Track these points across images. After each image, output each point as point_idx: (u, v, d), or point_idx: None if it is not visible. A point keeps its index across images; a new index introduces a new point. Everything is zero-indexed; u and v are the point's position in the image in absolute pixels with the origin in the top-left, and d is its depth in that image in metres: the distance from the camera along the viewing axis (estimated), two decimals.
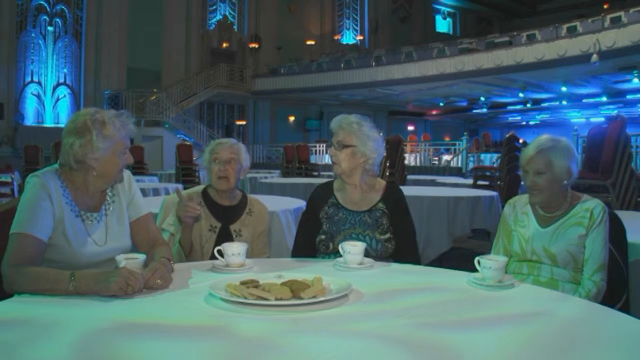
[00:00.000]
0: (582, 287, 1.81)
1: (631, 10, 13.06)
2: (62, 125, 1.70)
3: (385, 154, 2.17)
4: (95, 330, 1.13)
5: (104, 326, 1.16)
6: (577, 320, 1.26)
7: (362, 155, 2.04)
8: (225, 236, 2.16)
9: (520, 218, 1.98)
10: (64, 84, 18.03)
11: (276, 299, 1.29)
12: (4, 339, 1.06)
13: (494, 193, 4.81)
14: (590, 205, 1.86)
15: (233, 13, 22.37)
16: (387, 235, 2.04)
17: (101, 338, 1.09)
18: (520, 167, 1.95)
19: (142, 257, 1.53)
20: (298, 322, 1.20)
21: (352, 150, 2.04)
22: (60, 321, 1.18)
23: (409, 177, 8.77)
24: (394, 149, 7.88)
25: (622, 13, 13.21)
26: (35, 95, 17.46)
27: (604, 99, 19.61)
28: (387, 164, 7.86)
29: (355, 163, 2.05)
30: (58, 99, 17.88)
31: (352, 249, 1.74)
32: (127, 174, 1.80)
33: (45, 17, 17.48)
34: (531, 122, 26.34)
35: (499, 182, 6.74)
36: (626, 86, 17.57)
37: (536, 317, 1.26)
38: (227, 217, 2.24)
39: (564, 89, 18.28)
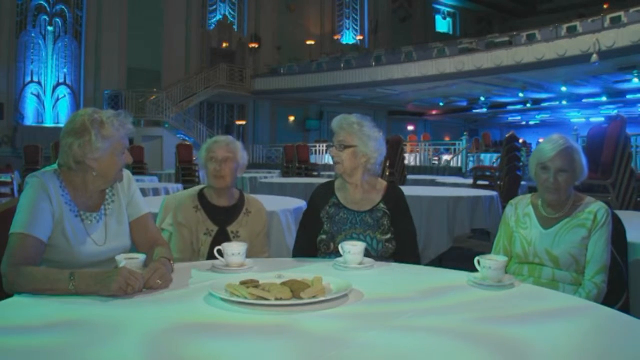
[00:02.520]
0: (583, 288, 1.81)
1: (631, 10, 13.06)
2: (62, 126, 1.70)
3: (385, 154, 2.17)
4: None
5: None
6: (577, 321, 1.26)
7: (364, 156, 2.05)
8: (222, 239, 2.11)
9: (522, 219, 1.97)
10: (64, 84, 18.04)
11: (276, 299, 1.29)
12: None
13: (494, 193, 4.81)
14: (594, 208, 1.85)
15: (233, 13, 22.38)
16: (388, 236, 2.04)
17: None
18: (537, 164, 1.88)
19: (142, 257, 1.53)
20: (298, 322, 1.20)
21: (354, 151, 2.04)
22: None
23: (409, 177, 8.77)
24: (394, 149, 7.87)
25: (622, 13, 13.21)
26: (35, 95, 17.46)
27: (604, 99, 19.61)
28: (387, 164, 7.85)
29: (357, 163, 2.05)
30: (58, 99, 17.89)
31: (352, 249, 1.74)
32: (126, 173, 1.80)
33: (45, 17, 17.49)
34: (531, 122, 26.35)
35: (499, 182, 6.75)
36: (626, 86, 17.57)
37: (536, 317, 1.26)
38: (224, 220, 2.22)
39: (564, 89, 18.28)
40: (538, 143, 2.51)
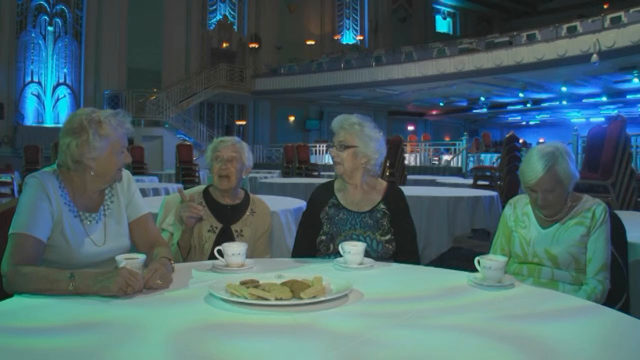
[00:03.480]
0: (587, 285, 1.80)
1: (631, 10, 13.06)
2: (62, 126, 1.70)
3: (385, 155, 2.16)
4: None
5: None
6: (577, 320, 1.26)
7: (364, 156, 2.04)
8: (226, 236, 2.14)
9: (520, 219, 1.97)
10: (64, 84, 18.04)
11: (276, 299, 1.29)
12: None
13: (494, 193, 4.81)
14: (592, 206, 1.85)
15: (233, 13, 22.37)
16: (388, 237, 2.03)
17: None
18: (523, 185, 1.86)
19: (142, 257, 1.53)
20: (298, 322, 1.20)
21: (354, 151, 2.04)
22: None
23: (409, 177, 8.77)
24: (394, 149, 7.87)
25: (622, 13, 13.21)
26: (35, 95, 17.47)
27: (604, 99, 19.61)
28: (387, 164, 7.85)
29: (357, 163, 2.05)
30: (58, 99, 17.89)
31: (352, 249, 1.74)
32: (126, 174, 1.80)
33: (45, 17, 17.49)
34: (531, 122, 26.36)
35: (499, 182, 6.75)
36: (626, 86, 17.57)
37: (536, 317, 1.26)
38: (228, 218, 2.23)
39: (564, 89, 18.28)
40: (538, 143, 2.49)
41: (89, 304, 1.30)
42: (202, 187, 2.33)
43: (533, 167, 1.80)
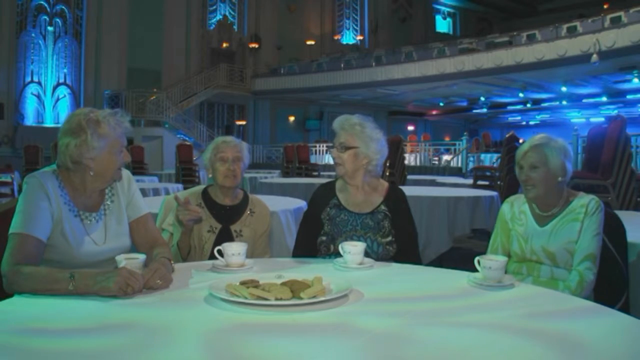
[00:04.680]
0: (569, 276, 1.81)
1: (631, 10, 13.07)
2: (61, 126, 1.70)
3: (386, 155, 2.16)
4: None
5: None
6: (577, 320, 1.25)
7: (365, 157, 2.03)
8: (225, 237, 2.14)
9: (517, 216, 1.98)
10: (64, 84, 18.03)
11: (276, 299, 1.28)
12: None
13: (494, 193, 4.81)
14: (585, 201, 1.87)
15: (233, 13, 22.37)
16: (389, 239, 2.03)
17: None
18: (516, 165, 1.95)
19: (142, 257, 1.53)
20: (298, 322, 1.20)
21: (355, 152, 2.03)
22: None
23: (409, 177, 8.77)
24: (394, 149, 7.87)
25: (622, 13, 13.22)
26: (35, 95, 17.46)
27: (604, 99, 19.61)
28: (387, 164, 7.85)
29: (358, 164, 2.04)
30: (58, 99, 17.89)
31: (352, 249, 1.74)
32: (126, 173, 1.80)
33: (45, 17, 17.49)
34: (531, 122, 26.35)
35: (499, 182, 6.74)
36: (626, 86, 17.57)
37: (536, 317, 1.26)
38: (227, 218, 2.23)
39: (564, 89, 18.28)
40: None
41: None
42: (200, 187, 2.32)
43: (529, 141, 1.92)
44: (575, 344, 1.09)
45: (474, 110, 24.55)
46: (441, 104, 24.04)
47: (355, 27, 26.31)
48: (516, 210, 1.99)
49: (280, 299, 1.29)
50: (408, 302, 1.37)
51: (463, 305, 1.35)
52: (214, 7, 21.76)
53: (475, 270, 1.57)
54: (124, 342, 1.06)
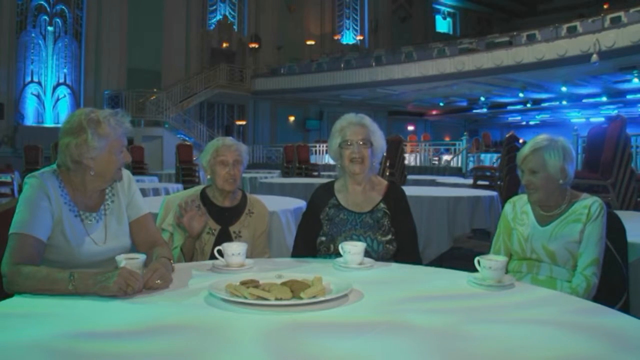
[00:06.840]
0: (573, 280, 1.81)
1: (631, 10, 13.07)
2: (61, 126, 1.70)
3: (385, 154, 2.17)
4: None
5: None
6: (577, 320, 1.25)
7: (377, 153, 2.09)
8: (224, 238, 2.13)
9: (519, 216, 1.99)
10: (64, 84, 18.04)
11: (276, 299, 1.29)
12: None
13: (494, 193, 4.81)
14: (588, 203, 1.87)
15: (233, 13, 22.38)
16: (389, 237, 2.03)
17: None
18: (518, 169, 1.96)
19: (142, 257, 1.53)
20: (298, 322, 1.20)
21: (373, 148, 2.07)
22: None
23: (409, 177, 8.76)
24: (394, 149, 7.87)
25: (622, 13, 13.21)
26: (35, 95, 17.47)
27: (604, 99, 19.61)
28: (387, 164, 7.85)
29: (372, 160, 2.08)
30: (58, 99, 17.89)
31: (352, 249, 1.74)
32: (126, 173, 1.80)
33: (45, 17, 17.49)
34: (531, 122, 26.35)
35: (499, 182, 6.74)
36: (626, 86, 17.57)
37: (536, 317, 1.26)
38: (226, 219, 2.23)
39: (564, 89, 18.28)
40: None
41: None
42: (198, 188, 2.31)
43: (529, 145, 1.92)
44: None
45: (474, 110, 24.56)
46: (441, 104, 24.03)
47: (355, 27, 26.31)
48: (518, 211, 2.00)
49: (280, 299, 1.29)
50: (408, 302, 1.37)
51: (463, 306, 1.35)
52: (214, 7, 21.77)
53: (475, 270, 1.57)
54: (124, 344, 1.06)
